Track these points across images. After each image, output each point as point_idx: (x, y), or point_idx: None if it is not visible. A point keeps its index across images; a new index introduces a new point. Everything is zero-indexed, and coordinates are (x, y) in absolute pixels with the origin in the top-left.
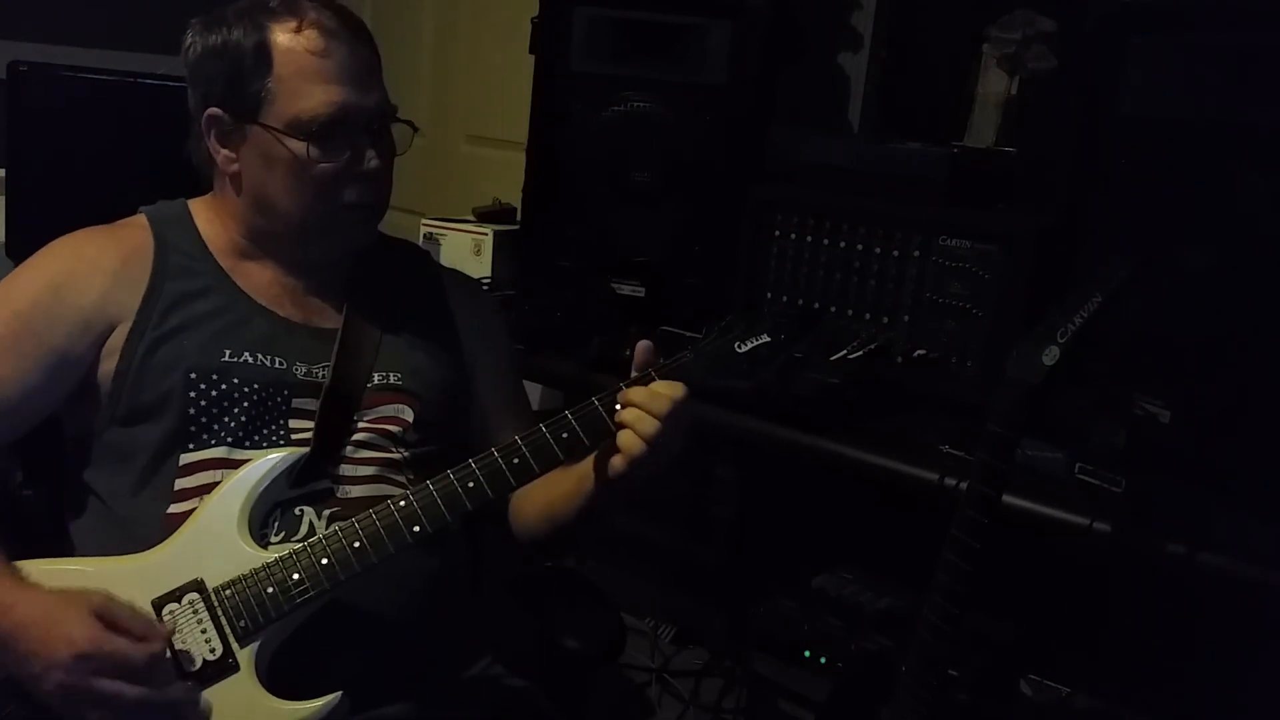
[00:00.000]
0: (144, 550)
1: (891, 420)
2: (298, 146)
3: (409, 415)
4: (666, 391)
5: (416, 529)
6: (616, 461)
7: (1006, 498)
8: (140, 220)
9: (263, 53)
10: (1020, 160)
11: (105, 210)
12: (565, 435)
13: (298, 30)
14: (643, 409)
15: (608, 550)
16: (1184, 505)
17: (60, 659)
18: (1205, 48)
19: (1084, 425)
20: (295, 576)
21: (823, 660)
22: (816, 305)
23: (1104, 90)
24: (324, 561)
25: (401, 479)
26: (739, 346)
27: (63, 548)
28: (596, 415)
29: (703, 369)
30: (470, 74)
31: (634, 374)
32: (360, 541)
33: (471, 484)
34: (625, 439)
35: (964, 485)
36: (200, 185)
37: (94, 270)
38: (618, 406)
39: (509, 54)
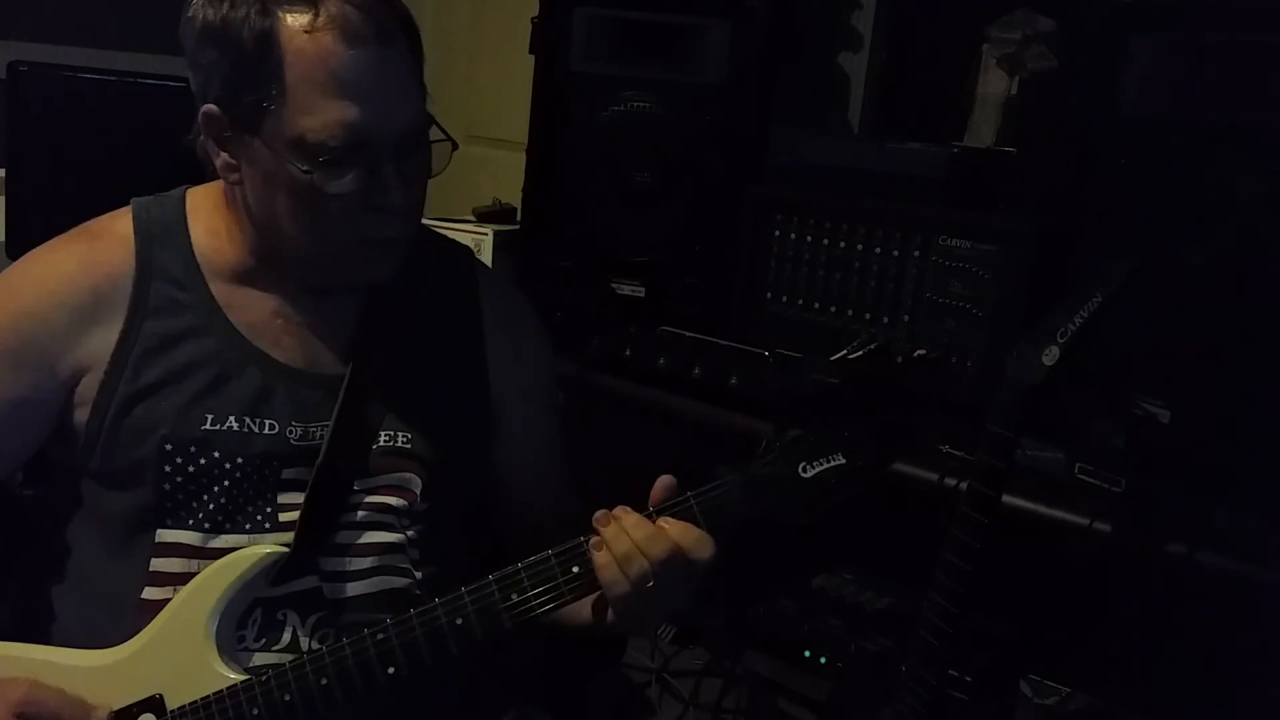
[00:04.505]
0: (118, 634)
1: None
2: (302, 173)
3: (416, 486)
4: (676, 537)
5: (391, 670)
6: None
7: (1006, 498)
8: (125, 229)
9: (266, 48)
10: (1020, 160)
11: (105, 211)
12: (576, 569)
13: (312, 26)
14: (640, 548)
15: None
16: (1184, 505)
17: None
18: (1205, 48)
19: (1084, 425)
20: (254, 711)
21: (823, 660)
22: (816, 305)
23: (1104, 90)
24: (286, 698)
25: (406, 564)
26: (804, 470)
27: (61, 549)
28: None
29: (751, 498)
30: (470, 74)
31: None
32: (328, 678)
33: (460, 621)
34: (611, 583)
35: (964, 485)
36: (204, 178)
37: (60, 309)
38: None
39: (509, 54)
